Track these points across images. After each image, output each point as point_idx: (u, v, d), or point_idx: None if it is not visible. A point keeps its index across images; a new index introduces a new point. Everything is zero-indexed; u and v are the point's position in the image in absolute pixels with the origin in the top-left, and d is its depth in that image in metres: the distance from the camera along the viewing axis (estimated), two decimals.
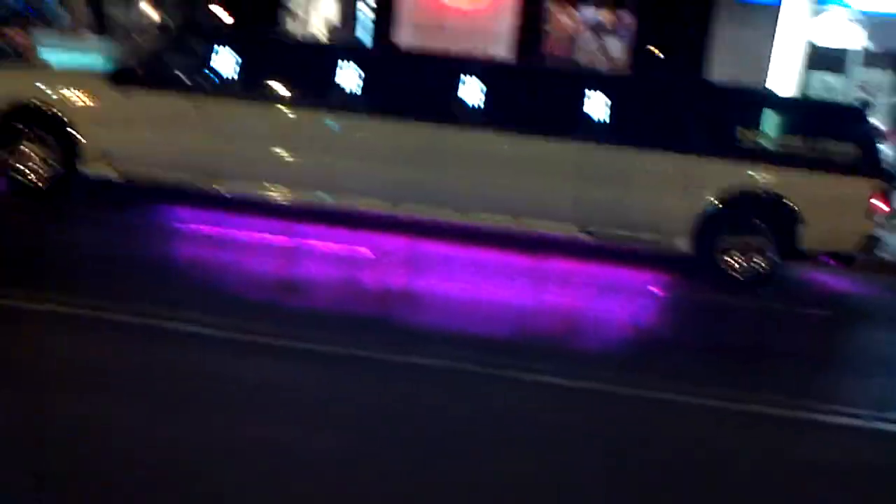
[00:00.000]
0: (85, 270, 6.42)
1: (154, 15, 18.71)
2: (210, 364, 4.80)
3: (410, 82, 8.70)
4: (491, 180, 8.34)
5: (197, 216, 8.46)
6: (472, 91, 8.32)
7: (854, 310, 8.82)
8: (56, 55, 12.66)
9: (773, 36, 13.42)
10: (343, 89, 8.38)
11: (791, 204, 8.09)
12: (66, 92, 8.48)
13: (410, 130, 8.37)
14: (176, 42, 9.11)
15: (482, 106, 8.33)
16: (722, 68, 13.50)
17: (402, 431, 4.23)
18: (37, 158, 8.43)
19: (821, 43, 13.66)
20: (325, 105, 8.50)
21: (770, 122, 8.49)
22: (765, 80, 13.51)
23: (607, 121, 8.27)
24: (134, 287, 6.06)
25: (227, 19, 20.84)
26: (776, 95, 9.97)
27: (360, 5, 17.64)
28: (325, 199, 8.49)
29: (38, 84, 8.71)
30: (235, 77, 8.46)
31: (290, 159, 8.43)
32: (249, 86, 8.51)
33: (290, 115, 8.51)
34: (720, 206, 8.16)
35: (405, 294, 6.95)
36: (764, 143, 8.39)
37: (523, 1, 14.42)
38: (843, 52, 13.87)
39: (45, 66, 11.81)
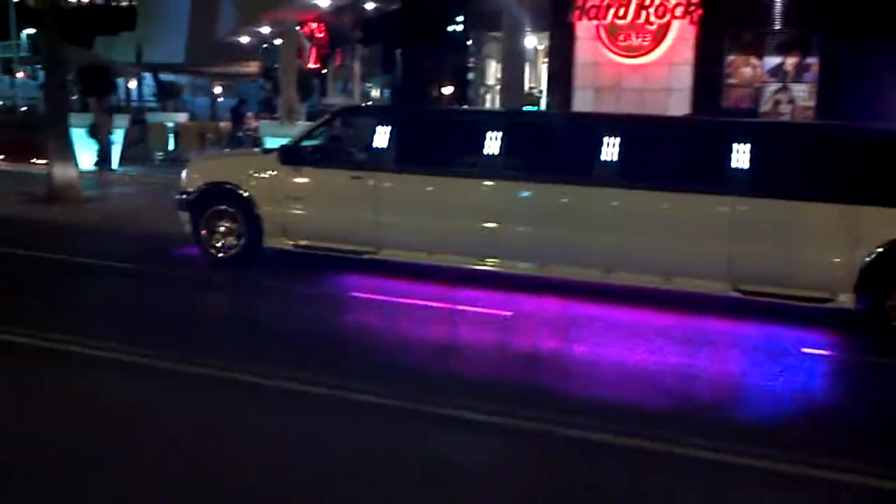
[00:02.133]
0: (257, 339, 7.11)
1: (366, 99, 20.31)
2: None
3: (559, 144, 8.88)
4: (641, 239, 8.26)
5: (364, 284, 9.01)
6: (618, 149, 8.30)
7: None
8: (276, 141, 14.38)
9: None
10: (491, 155, 8.71)
11: None
12: (252, 173, 9.58)
13: (556, 192, 8.52)
14: (335, 121, 9.95)
15: (630, 164, 8.29)
16: None
17: None
18: (228, 233, 9.56)
19: None
20: (477, 172, 8.84)
21: None
22: None
23: (761, 173, 7.92)
24: (310, 356, 6.60)
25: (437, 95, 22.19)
26: None
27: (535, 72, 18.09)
28: (480, 263, 8.82)
29: (231, 167, 9.97)
30: (387, 151, 9.06)
31: (445, 225, 8.87)
32: (398, 159, 9.03)
33: (443, 184, 8.97)
34: (886, 257, 7.53)
35: (554, 360, 6.95)
36: None
37: (702, 54, 14.17)
38: None
39: (243, 153, 13.35)
